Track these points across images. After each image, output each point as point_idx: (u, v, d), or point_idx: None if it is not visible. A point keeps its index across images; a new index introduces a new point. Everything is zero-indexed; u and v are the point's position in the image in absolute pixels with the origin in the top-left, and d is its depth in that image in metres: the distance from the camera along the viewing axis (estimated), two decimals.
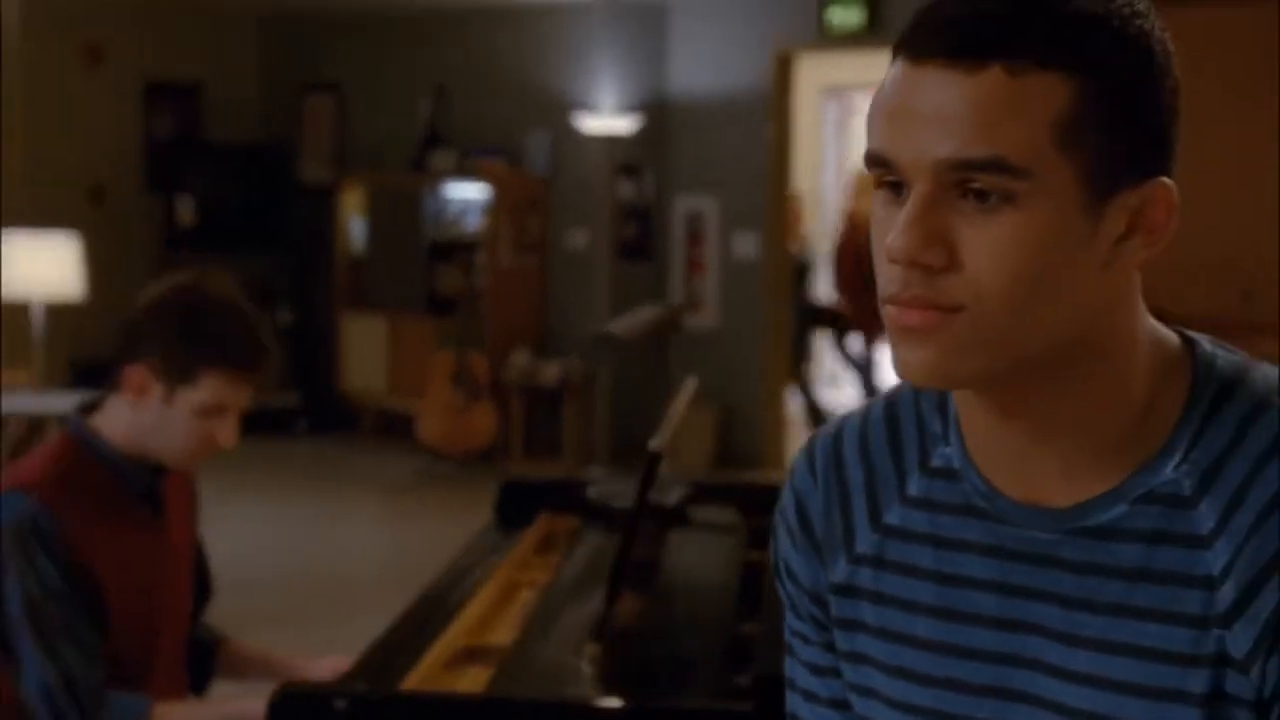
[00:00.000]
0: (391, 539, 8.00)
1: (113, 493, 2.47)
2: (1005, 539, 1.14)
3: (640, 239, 9.55)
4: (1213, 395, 1.10)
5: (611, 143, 9.20)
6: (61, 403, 7.63)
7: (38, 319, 7.38)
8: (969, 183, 1.03)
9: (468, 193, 9.96)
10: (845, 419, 1.27)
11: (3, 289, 7.12)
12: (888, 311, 1.07)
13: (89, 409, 2.53)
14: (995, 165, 1.02)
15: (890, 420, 1.23)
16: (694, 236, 9.47)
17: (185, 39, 10.45)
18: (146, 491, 2.51)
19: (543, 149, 9.54)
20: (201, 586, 2.78)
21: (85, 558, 2.38)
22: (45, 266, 7.30)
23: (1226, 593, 1.06)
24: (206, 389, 2.41)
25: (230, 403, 2.44)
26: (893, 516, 1.20)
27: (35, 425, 7.02)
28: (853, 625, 1.23)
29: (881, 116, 1.06)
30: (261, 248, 10.29)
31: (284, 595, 6.62)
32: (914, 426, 1.21)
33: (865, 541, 1.21)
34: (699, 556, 2.77)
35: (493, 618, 2.54)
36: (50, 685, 2.33)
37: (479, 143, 9.70)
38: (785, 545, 1.27)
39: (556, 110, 9.37)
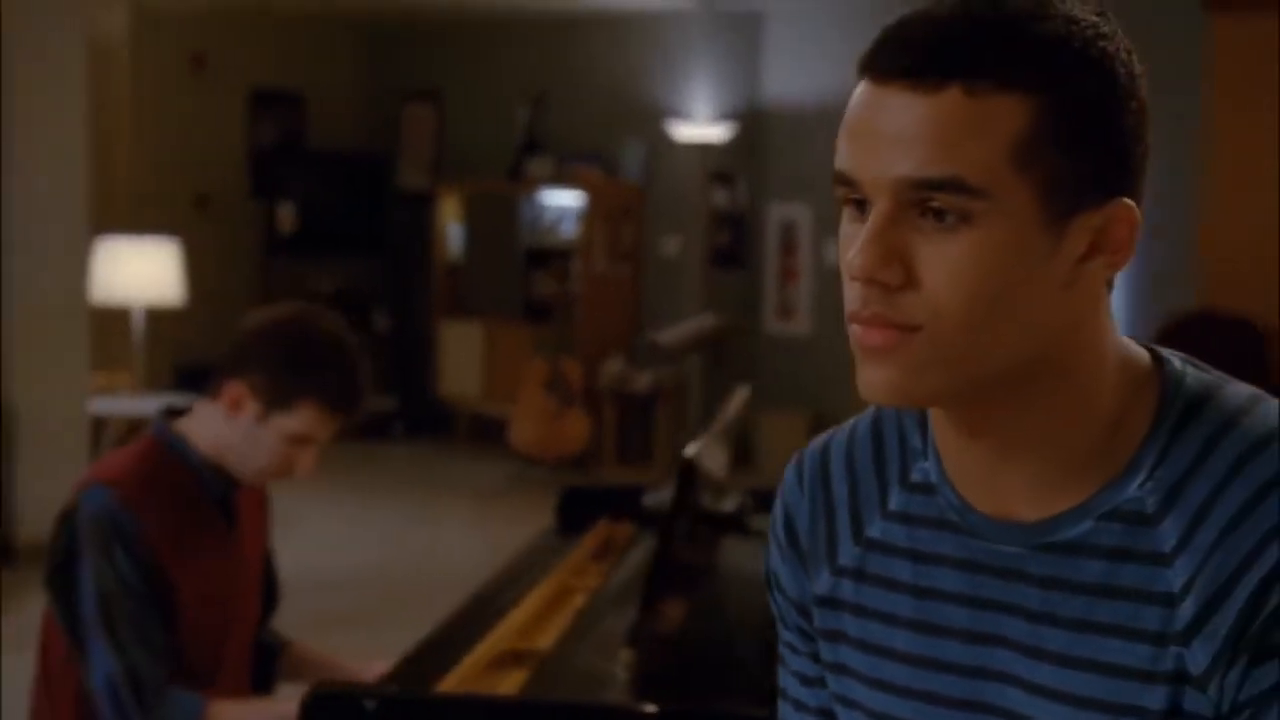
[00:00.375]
0: (482, 543, 8.07)
1: (191, 498, 2.53)
2: (977, 553, 1.15)
3: (733, 246, 9.57)
4: (1180, 413, 1.11)
5: (705, 150, 9.23)
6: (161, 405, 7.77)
7: (138, 323, 7.54)
8: (928, 202, 1.04)
9: (563, 200, 10.04)
10: (835, 433, 1.29)
11: (104, 294, 7.29)
12: (851, 330, 1.09)
13: (176, 413, 2.60)
14: (953, 185, 1.03)
15: (875, 435, 1.24)
16: (787, 244, 9.47)
17: (289, 48, 10.63)
18: (222, 501, 2.57)
19: (637, 157, 9.59)
20: (269, 596, 2.84)
21: (161, 559, 2.44)
22: (145, 272, 7.45)
23: (1186, 610, 1.07)
24: (300, 419, 2.48)
25: (318, 436, 2.51)
26: (874, 530, 1.22)
27: (135, 427, 7.17)
28: (836, 636, 1.24)
29: (846, 136, 1.08)
30: (360, 254, 10.43)
31: (375, 597, 6.72)
32: (897, 441, 1.23)
33: (847, 554, 1.23)
34: (753, 564, 2.78)
35: (541, 622, 2.57)
36: (115, 679, 2.39)
37: (575, 150, 9.77)
38: (774, 556, 1.29)
39: (651, 118, 9.42)
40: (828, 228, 9.21)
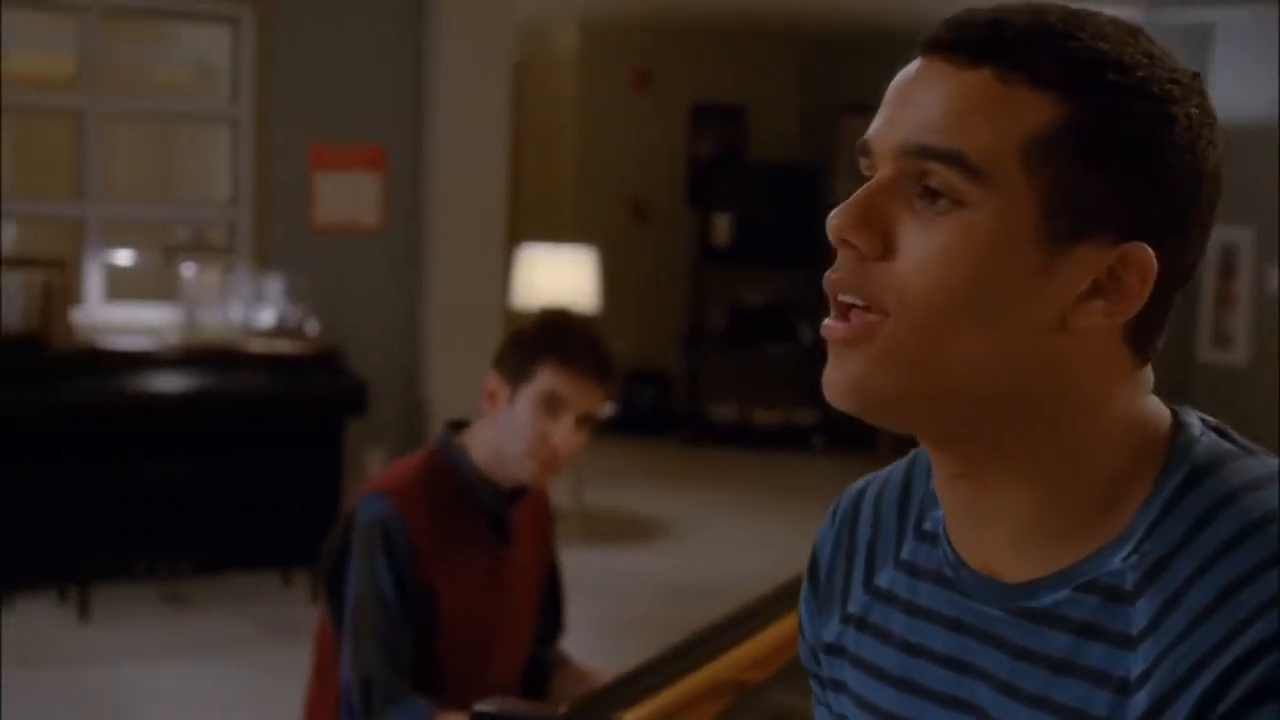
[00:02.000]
0: None
1: (464, 511, 2.61)
2: (964, 612, 1.10)
3: None
4: (1178, 484, 1.02)
5: None
6: None
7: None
8: (925, 178, 1.00)
9: None
10: (876, 475, 1.25)
11: (523, 299, 7.63)
12: (822, 326, 1.05)
13: (460, 425, 2.70)
14: (952, 158, 0.99)
15: (906, 479, 1.20)
16: (1225, 269, 8.98)
17: (730, 63, 10.83)
18: (497, 516, 2.64)
19: None
20: (553, 617, 2.88)
21: (426, 570, 2.53)
22: (564, 278, 7.76)
23: (1139, 701, 0.98)
24: (542, 380, 2.53)
25: (567, 398, 2.53)
26: (883, 578, 1.17)
27: None
28: (839, 686, 1.21)
29: (883, 104, 1.06)
30: (791, 266, 10.52)
31: None
32: (923, 486, 1.18)
33: (856, 601, 1.19)
34: None
35: (776, 653, 2.55)
36: (353, 682, 2.52)
37: None
38: (803, 596, 1.27)
39: None
40: (1270, 252, 8.70)
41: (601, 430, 9.35)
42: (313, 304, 6.75)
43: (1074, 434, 1.03)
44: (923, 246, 1.00)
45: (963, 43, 1.02)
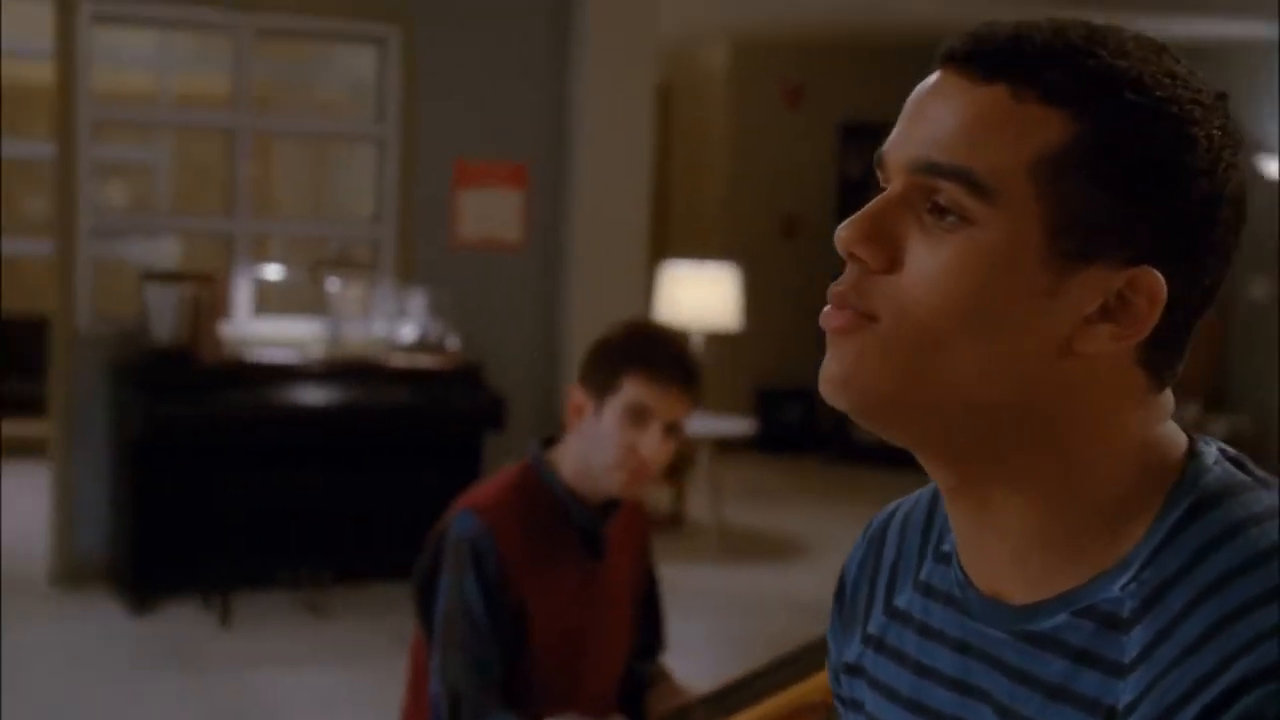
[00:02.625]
0: None
1: (555, 527, 2.60)
2: (970, 634, 1.08)
3: None
4: (1183, 513, 1.00)
5: None
6: (735, 426, 8.09)
7: (696, 346, 7.87)
8: (934, 194, 1.00)
9: None
10: (909, 497, 1.24)
11: (666, 317, 7.65)
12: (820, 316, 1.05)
13: (551, 441, 2.71)
14: (961, 176, 0.98)
15: (933, 501, 1.19)
16: None
17: (881, 81, 10.74)
18: (588, 531, 2.63)
19: None
20: (650, 632, 2.86)
21: (516, 587, 2.54)
22: (707, 297, 7.76)
23: None
24: (628, 391, 2.52)
25: (653, 408, 2.52)
26: (902, 599, 1.16)
27: (684, 450, 7.49)
28: (857, 707, 1.20)
29: (900, 118, 1.06)
30: None
31: None
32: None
33: (876, 622, 1.18)
34: None
35: None
36: (440, 697, 2.53)
37: None
38: (830, 616, 1.26)
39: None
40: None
41: (744, 447, 9.37)
42: (454, 319, 6.84)
43: (1078, 455, 1.01)
44: (929, 262, 0.99)
45: (979, 56, 1.01)
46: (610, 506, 2.66)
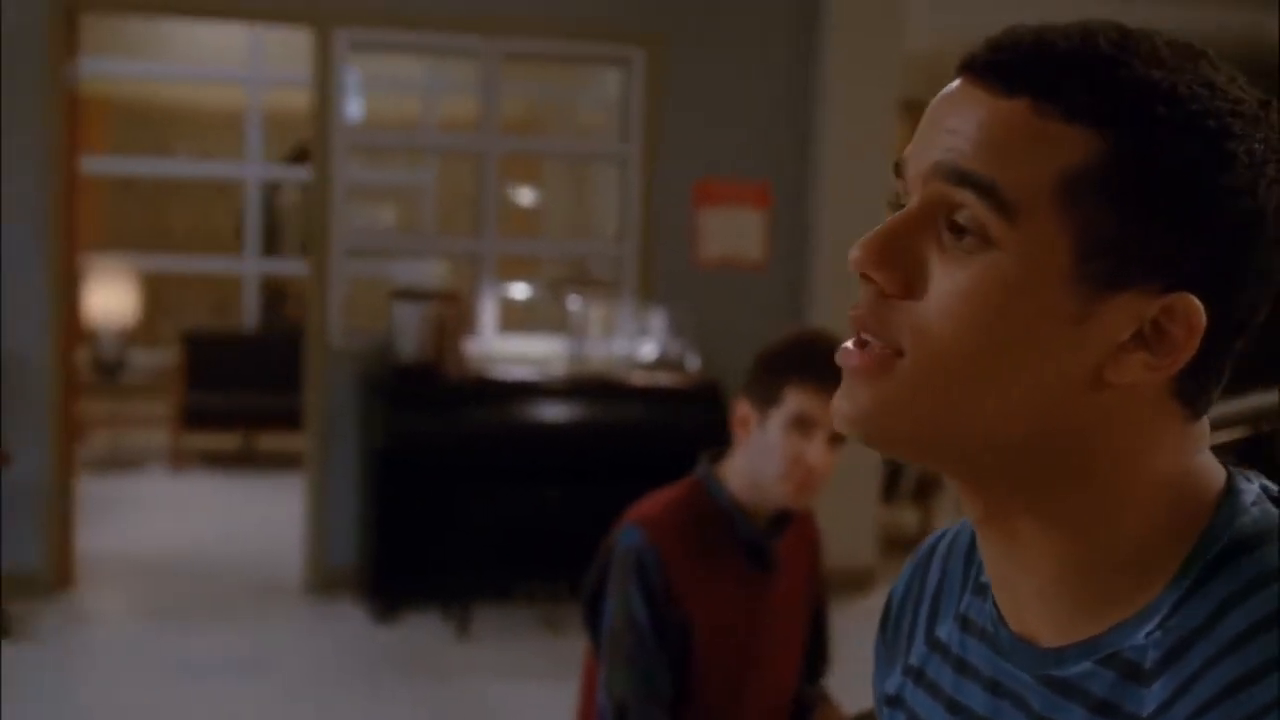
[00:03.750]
0: None
1: (721, 542, 2.59)
2: (999, 672, 1.03)
3: None
4: (1213, 558, 0.93)
5: None
6: None
7: None
8: (954, 211, 0.93)
9: None
10: (955, 524, 1.19)
11: None
12: (839, 351, 1.00)
13: (718, 456, 2.70)
14: (985, 188, 0.92)
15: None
16: None
17: None
18: (755, 545, 2.61)
19: None
20: (815, 654, 2.82)
21: (681, 600, 2.53)
22: None
23: None
24: (791, 402, 2.50)
25: (817, 418, 2.50)
26: (943, 630, 1.11)
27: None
28: None
29: (919, 125, 1.01)
30: None
31: None
32: None
33: (917, 653, 1.14)
34: None
35: None
36: (606, 710, 2.54)
37: None
38: (874, 645, 1.23)
39: None
40: None
41: None
42: (693, 338, 6.86)
43: (1108, 491, 0.95)
44: (948, 287, 0.93)
45: (1000, 67, 0.94)
46: (782, 520, 2.63)
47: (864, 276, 0.96)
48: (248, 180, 10.88)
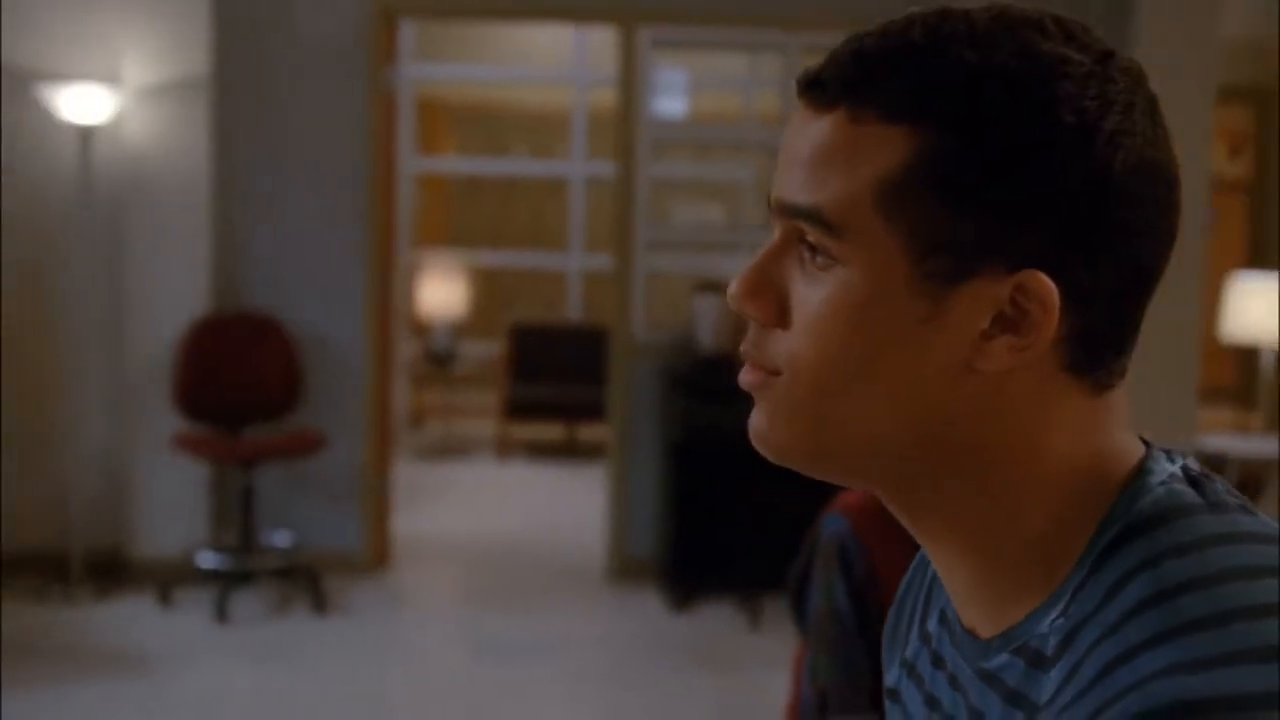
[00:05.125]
0: None
1: None
2: (955, 666, 1.04)
3: None
4: (1109, 542, 0.91)
5: None
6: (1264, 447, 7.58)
7: (1267, 363, 7.39)
8: (804, 234, 0.95)
9: None
10: None
11: (1235, 331, 7.24)
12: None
13: None
14: (811, 217, 0.93)
15: None
16: None
17: None
18: None
19: None
20: None
21: (884, 588, 2.52)
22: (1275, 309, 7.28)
23: None
24: None
25: None
26: (931, 623, 1.11)
27: (1251, 471, 7.06)
28: None
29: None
30: None
31: None
32: None
33: (912, 646, 1.14)
34: None
35: None
36: (810, 698, 2.55)
37: None
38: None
39: None
40: None
41: None
42: None
43: (1006, 483, 0.94)
44: (808, 309, 0.94)
45: (818, 82, 0.94)
46: None
47: (741, 311, 0.98)
48: (572, 178, 11.16)
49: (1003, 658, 0.95)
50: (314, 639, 5.97)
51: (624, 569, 6.93)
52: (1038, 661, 0.92)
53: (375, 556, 6.92)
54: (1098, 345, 0.93)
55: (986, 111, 0.88)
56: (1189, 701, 0.79)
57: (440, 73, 10.75)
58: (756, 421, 0.98)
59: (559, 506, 8.76)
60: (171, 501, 6.60)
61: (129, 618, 6.13)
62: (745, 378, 0.98)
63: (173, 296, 6.49)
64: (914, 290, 0.91)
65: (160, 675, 5.53)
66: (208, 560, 6.42)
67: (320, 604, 6.27)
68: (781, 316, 0.96)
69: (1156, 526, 0.90)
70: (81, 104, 6.19)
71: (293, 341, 6.58)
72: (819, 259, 0.93)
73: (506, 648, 5.96)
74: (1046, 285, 0.89)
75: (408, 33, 9.99)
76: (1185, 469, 0.95)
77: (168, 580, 6.33)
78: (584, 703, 5.45)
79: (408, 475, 8.98)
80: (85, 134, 6.23)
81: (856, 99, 0.91)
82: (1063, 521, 0.93)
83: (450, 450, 10.50)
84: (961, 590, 0.99)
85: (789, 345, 0.95)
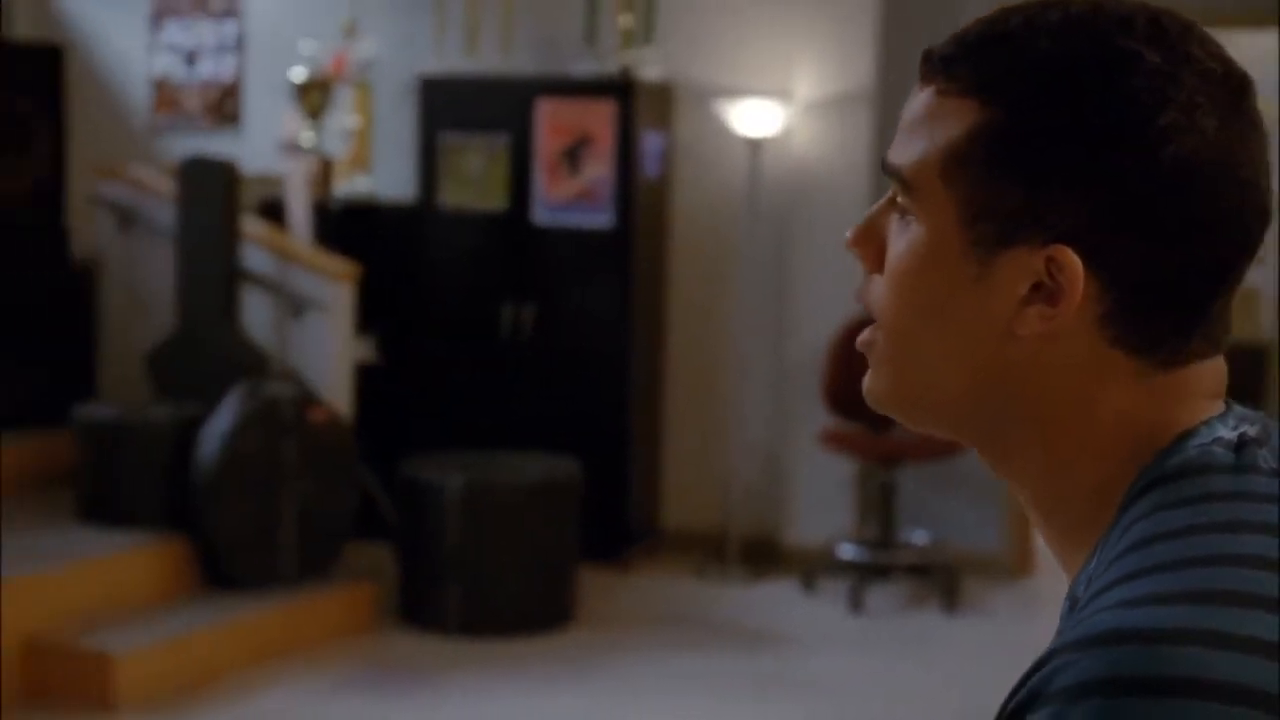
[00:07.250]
0: None
1: None
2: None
3: None
4: (1135, 493, 0.96)
5: None
6: None
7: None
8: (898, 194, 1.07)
9: None
10: None
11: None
12: None
13: None
14: (896, 175, 1.04)
15: None
16: None
17: None
18: None
19: None
20: None
21: None
22: None
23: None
24: None
25: None
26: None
27: None
28: None
29: None
30: None
31: None
32: None
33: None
34: None
35: None
36: None
37: None
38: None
39: None
40: None
41: None
42: None
43: (1058, 441, 1.00)
44: (889, 260, 1.04)
45: (927, 59, 1.04)
46: None
47: (852, 252, 1.09)
48: None
49: (1065, 605, 1.00)
50: (944, 637, 6.13)
51: None
52: (1074, 608, 0.97)
53: (1018, 562, 6.97)
54: (1150, 326, 0.98)
55: (1039, 93, 0.97)
56: (1119, 630, 0.85)
57: None
58: (866, 378, 1.08)
59: None
60: (820, 494, 6.95)
61: (775, 600, 6.53)
62: (859, 339, 1.08)
63: (828, 299, 6.83)
64: (965, 252, 1.00)
65: (795, 655, 5.87)
66: (847, 552, 6.72)
67: (952, 603, 6.42)
68: (879, 263, 1.06)
69: (1174, 480, 0.95)
70: (753, 118, 6.65)
71: None
72: (906, 216, 1.04)
73: None
74: (1072, 260, 0.96)
75: None
76: (1243, 435, 0.97)
77: (812, 568, 6.68)
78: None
79: None
80: (755, 146, 6.68)
81: (947, 75, 1.02)
82: (1111, 479, 0.99)
83: None
84: (1046, 538, 1.06)
85: (879, 290, 1.05)
